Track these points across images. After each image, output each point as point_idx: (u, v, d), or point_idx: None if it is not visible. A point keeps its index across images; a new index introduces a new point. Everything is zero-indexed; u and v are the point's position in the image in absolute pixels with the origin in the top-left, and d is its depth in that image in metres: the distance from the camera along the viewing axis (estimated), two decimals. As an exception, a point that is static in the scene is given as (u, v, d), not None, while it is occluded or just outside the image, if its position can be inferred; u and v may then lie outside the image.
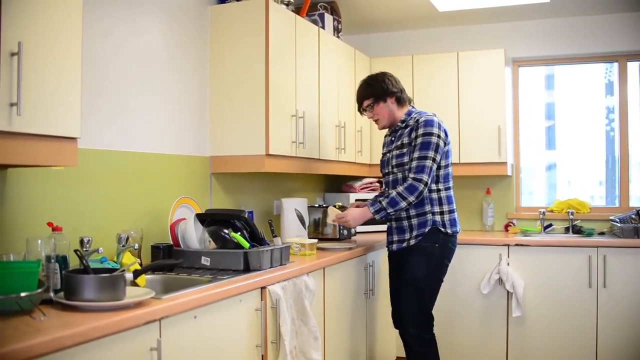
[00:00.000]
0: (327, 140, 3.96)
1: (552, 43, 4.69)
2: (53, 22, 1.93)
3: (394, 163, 3.23)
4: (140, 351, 1.86)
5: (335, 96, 4.10)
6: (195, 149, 3.30)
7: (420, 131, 3.11)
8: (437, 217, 3.16)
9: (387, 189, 3.33)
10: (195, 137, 3.30)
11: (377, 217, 3.19)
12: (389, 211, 3.11)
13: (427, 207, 3.16)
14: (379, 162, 3.40)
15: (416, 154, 3.09)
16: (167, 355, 1.95)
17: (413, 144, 3.12)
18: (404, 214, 3.19)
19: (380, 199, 3.14)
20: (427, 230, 3.16)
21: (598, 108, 4.85)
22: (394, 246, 3.25)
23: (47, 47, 1.91)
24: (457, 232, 3.25)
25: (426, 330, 3.23)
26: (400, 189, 3.07)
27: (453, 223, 3.22)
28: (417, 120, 3.17)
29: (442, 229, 3.16)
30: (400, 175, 3.18)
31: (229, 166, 3.38)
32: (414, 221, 3.17)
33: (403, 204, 3.07)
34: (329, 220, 3.48)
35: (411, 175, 3.07)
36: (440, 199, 3.18)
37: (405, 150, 3.17)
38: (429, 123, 3.13)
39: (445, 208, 3.19)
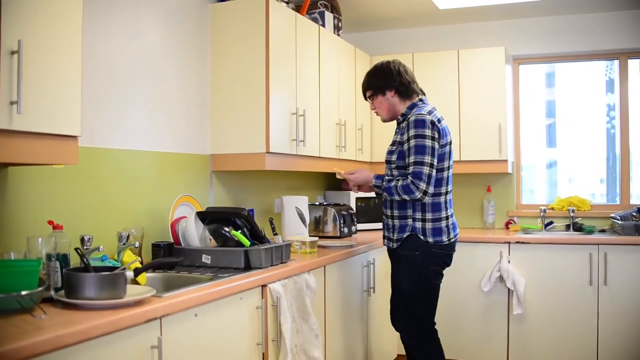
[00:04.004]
0: (327, 138, 3.96)
1: (552, 41, 4.68)
2: (53, 20, 1.93)
3: (385, 159, 3.12)
4: (141, 349, 1.86)
5: (335, 94, 4.10)
6: (195, 147, 3.30)
7: (412, 132, 2.89)
8: (418, 224, 2.96)
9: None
10: (195, 135, 3.30)
11: (374, 189, 3.10)
12: (383, 194, 3.02)
13: (409, 212, 2.98)
14: (379, 160, 3.38)
15: (411, 159, 2.88)
16: (168, 354, 1.96)
17: (406, 146, 2.92)
18: (388, 212, 3.07)
19: (387, 179, 3.00)
20: (405, 235, 2.98)
21: (599, 105, 4.85)
22: (385, 242, 3.18)
23: (47, 46, 1.91)
24: (442, 243, 2.97)
25: (422, 339, 3.06)
26: (400, 183, 2.90)
27: (437, 232, 2.95)
28: (410, 118, 2.95)
29: (422, 237, 2.95)
30: (388, 172, 3.09)
31: (230, 164, 3.38)
32: (396, 222, 3.02)
33: (395, 197, 2.95)
34: (338, 172, 3.35)
35: (410, 178, 2.87)
36: (424, 205, 2.95)
37: (394, 148, 3.03)
38: (419, 123, 2.88)
39: (429, 216, 2.95)
